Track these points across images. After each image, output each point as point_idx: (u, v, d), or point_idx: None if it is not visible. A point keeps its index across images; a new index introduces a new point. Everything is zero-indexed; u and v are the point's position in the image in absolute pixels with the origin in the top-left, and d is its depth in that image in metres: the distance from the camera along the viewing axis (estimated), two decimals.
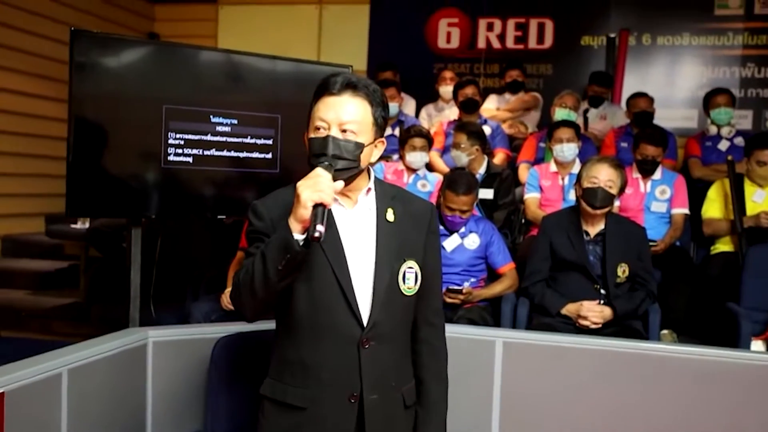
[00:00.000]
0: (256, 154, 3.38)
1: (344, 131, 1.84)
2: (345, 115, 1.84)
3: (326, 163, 1.78)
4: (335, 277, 1.84)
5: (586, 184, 3.57)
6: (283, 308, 1.89)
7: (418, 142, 4.78)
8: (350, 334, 1.86)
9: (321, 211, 1.71)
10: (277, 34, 7.41)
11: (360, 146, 1.85)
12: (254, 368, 2.48)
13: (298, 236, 1.71)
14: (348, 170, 1.83)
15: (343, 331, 1.86)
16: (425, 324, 2.05)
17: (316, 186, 1.71)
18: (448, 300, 3.80)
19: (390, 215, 1.95)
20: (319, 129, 1.85)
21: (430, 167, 5.16)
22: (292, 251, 1.71)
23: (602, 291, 3.56)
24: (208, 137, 3.26)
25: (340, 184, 1.81)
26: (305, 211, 1.69)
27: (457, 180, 3.95)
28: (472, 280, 3.96)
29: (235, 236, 4.31)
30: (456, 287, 3.83)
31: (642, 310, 3.58)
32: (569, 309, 3.53)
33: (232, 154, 3.32)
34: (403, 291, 1.93)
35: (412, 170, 4.86)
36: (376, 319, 1.87)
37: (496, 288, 3.95)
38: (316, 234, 1.68)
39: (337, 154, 1.81)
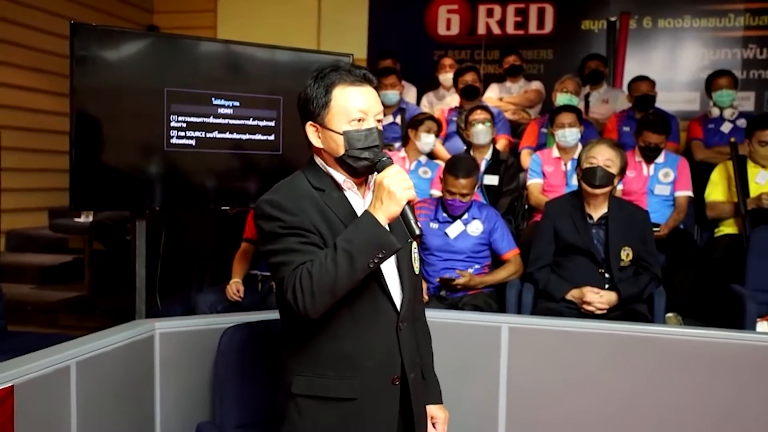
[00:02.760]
0: (258, 136, 3.39)
1: (378, 121, 1.87)
2: (378, 106, 1.88)
3: (386, 158, 1.79)
4: None
5: (585, 165, 3.58)
6: None
7: (431, 124, 4.84)
8: (388, 319, 1.89)
9: (410, 207, 1.74)
10: (277, 23, 7.40)
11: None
12: (262, 358, 2.50)
13: None
14: None
15: (382, 318, 1.88)
16: (416, 301, 2.09)
17: (405, 182, 1.73)
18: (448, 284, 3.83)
19: None
20: (358, 120, 1.84)
21: (431, 155, 5.16)
22: (389, 249, 1.72)
23: (606, 275, 3.56)
24: (210, 119, 3.26)
25: None
26: (399, 208, 1.72)
27: (456, 164, 3.96)
28: (476, 266, 3.96)
29: (239, 227, 4.32)
30: (447, 278, 3.85)
31: (647, 294, 3.59)
32: (573, 294, 3.54)
33: (235, 136, 3.32)
34: (415, 270, 2.00)
35: (417, 153, 4.86)
36: (408, 301, 1.92)
37: (501, 274, 3.96)
38: (418, 231, 1.74)
39: (383, 145, 1.85)
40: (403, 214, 1.73)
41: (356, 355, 1.86)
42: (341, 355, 1.86)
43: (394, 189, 1.70)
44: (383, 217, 1.72)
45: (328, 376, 1.87)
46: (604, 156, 3.53)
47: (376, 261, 1.72)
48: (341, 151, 1.85)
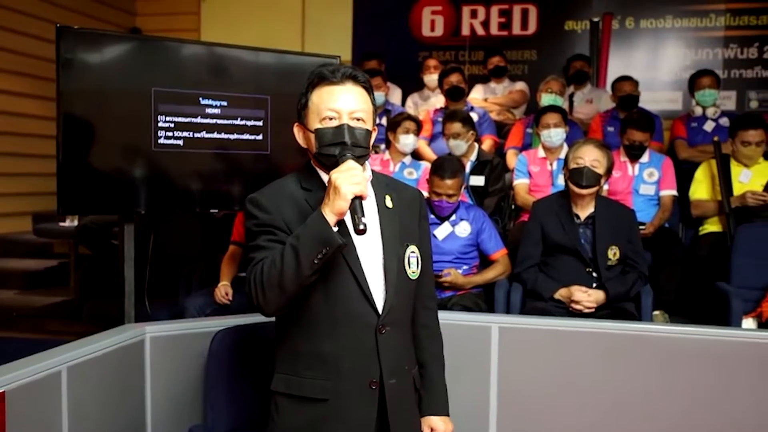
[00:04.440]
0: (246, 136, 3.37)
1: (356, 119, 1.86)
2: (354, 104, 1.86)
3: (350, 154, 1.79)
4: (348, 267, 1.84)
5: (572, 165, 3.60)
6: (295, 301, 1.83)
7: (410, 124, 4.82)
8: (367, 321, 1.86)
9: (359, 203, 1.72)
10: (261, 25, 7.38)
11: (370, 134, 1.89)
12: (253, 361, 2.50)
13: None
14: (363, 158, 1.86)
15: (360, 320, 1.86)
16: (422, 308, 2.08)
17: (354, 178, 1.71)
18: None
19: (389, 202, 1.97)
20: (328, 119, 1.84)
21: (416, 155, 5.17)
22: (331, 245, 1.71)
23: (594, 274, 3.59)
24: (198, 119, 3.25)
25: (369, 174, 1.85)
26: (345, 203, 1.70)
27: (442, 165, 3.98)
28: (465, 267, 3.97)
29: (226, 230, 4.30)
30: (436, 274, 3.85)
31: (634, 292, 3.61)
32: (561, 293, 3.55)
33: (223, 136, 3.31)
34: (408, 275, 1.95)
35: (400, 154, 4.86)
36: (391, 304, 1.89)
37: (489, 274, 3.97)
38: (361, 227, 1.70)
39: (354, 143, 1.82)
40: (351, 209, 1.72)
41: (332, 356, 1.86)
42: (317, 355, 1.86)
43: (340, 184, 1.70)
44: (330, 213, 1.72)
45: (304, 375, 1.88)
46: (590, 156, 3.56)
47: (320, 257, 1.71)
48: (314, 150, 1.87)
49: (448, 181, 3.88)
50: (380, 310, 1.88)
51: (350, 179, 1.71)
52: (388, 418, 1.89)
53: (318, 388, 1.86)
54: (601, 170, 3.56)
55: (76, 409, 2.30)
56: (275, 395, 1.93)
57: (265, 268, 1.75)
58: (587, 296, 3.50)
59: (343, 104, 1.85)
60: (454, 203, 3.94)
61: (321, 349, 1.86)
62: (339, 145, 1.81)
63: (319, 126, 1.85)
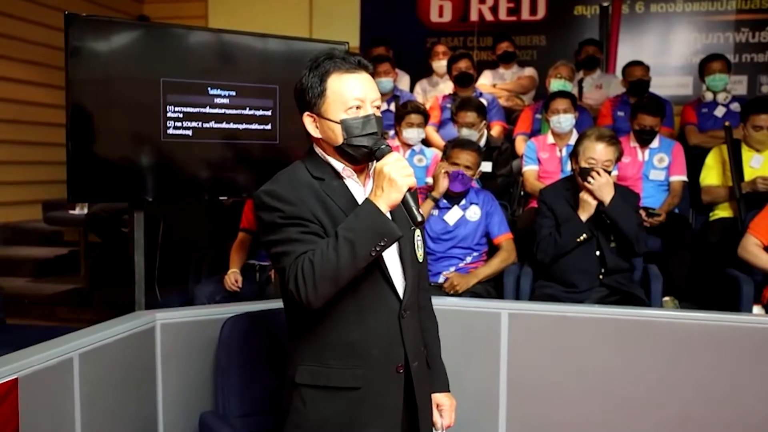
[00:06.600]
0: (255, 126, 3.37)
1: (376, 107, 1.86)
2: (375, 93, 1.87)
3: (386, 145, 1.79)
4: None
5: (583, 164, 3.56)
6: None
7: (415, 118, 4.76)
8: (391, 307, 1.88)
9: (411, 194, 1.74)
10: (268, 12, 7.37)
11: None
12: (263, 347, 2.52)
13: None
14: None
15: (385, 306, 1.87)
16: (421, 290, 2.09)
17: (406, 170, 1.72)
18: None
19: None
20: (355, 107, 1.83)
21: (426, 142, 5.15)
22: (391, 236, 1.72)
23: (597, 252, 3.59)
24: (207, 109, 3.25)
25: None
26: (400, 195, 1.71)
27: (462, 140, 4.11)
28: (474, 254, 3.96)
29: (235, 217, 4.31)
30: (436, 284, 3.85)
31: (640, 234, 3.60)
32: (582, 197, 3.55)
33: (231, 126, 3.31)
34: (418, 258, 1.98)
35: (407, 145, 4.85)
36: (410, 288, 1.91)
37: (494, 263, 3.91)
38: (420, 218, 1.73)
39: (382, 133, 1.84)
40: (404, 201, 1.73)
41: (360, 344, 1.86)
42: (345, 344, 1.86)
43: (395, 176, 1.70)
44: (384, 204, 1.71)
45: (332, 365, 1.86)
46: (603, 157, 3.51)
47: (377, 249, 1.71)
48: (340, 140, 1.83)
49: (468, 153, 3.91)
50: (401, 296, 1.90)
51: (403, 171, 1.71)
52: (414, 399, 1.93)
53: (349, 377, 1.86)
54: (611, 167, 3.56)
55: (88, 396, 2.32)
56: (300, 387, 1.89)
57: (316, 262, 1.71)
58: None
59: (367, 93, 1.85)
60: (471, 178, 3.93)
61: (349, 338, 1.85)
62: (369, 136, 1.81)
63: (345, 116, 1.83)
